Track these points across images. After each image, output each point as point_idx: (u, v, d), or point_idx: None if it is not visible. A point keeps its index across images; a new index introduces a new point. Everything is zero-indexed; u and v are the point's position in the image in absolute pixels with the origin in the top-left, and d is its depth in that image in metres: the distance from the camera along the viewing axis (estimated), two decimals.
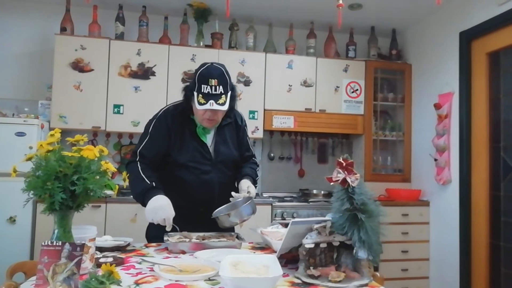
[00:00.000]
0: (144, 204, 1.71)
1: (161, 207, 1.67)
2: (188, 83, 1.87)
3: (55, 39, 3.48)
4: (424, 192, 3.84)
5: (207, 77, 1.73)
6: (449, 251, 3.47)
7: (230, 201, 1.80)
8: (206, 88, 1.72)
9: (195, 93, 1.74)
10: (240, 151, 1.99)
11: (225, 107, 1.75)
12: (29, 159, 1.18)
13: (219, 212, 1.78)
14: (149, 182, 1.75)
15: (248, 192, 1.79)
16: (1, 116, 3.25)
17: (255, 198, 1.82)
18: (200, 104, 1.71)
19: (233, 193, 1.79)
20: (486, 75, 3.22)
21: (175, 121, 1.85)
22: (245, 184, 1.84)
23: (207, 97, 1.72)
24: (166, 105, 1.95)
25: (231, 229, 1.97)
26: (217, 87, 1.73)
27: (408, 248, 3.69)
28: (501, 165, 3.09)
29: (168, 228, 1.66)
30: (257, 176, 2.02)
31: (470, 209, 3.30)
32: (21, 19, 3.78)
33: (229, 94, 1.78)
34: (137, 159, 1.82)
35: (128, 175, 1.82)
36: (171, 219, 1.66)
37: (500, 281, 3.06)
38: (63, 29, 3.56)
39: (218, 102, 1.72)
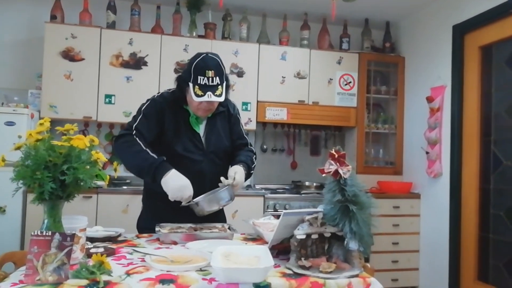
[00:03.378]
0: (155, 179, 1.67)
1: (186, 187, 1.67)
2: (180, 73, 1.85)
3: (45, 27, 3.42)
4: (415, 184, 3.87)
5: (204, 68, 1.71)
6: (439, 243, 3.51)
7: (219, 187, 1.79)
8: (203, 79, 1.71)
9: (191, 84, 1.72)
10: (232, 140, 1.97)
11: (222, 98, 1.75)
12: (18, 148, 1.17)
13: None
14: (156, 157, 1.70)
15: (234, 178, 1.77)
16: None
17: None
18: (197, 96, 1.70)
19: (222, 178, 1.77)
20: (478, 69, 3.24)
21: (170, 107, 1.83)
22: (233, 170, 1.81)
23: (204, 88, 1.70)
24: (161, 91, 1.92)
25: (223, 219, 1.97)
26: (214, 78, 1.71)
27: (398, 240, 3.73)
28: (491, 158, 3.12)
29: (185, 203, 1.69)
30: (253, 163, 1.96)
31: (460, 202, 3.34)
32: (10, 6, 3.70)
33: (224, 84, 1.77)
34: (134, 133, 1.76)
35: (123, 146, 1.74)
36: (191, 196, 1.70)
37: (488, 273, 3.12)
38: (53, 17, 3.50)
39: (215, 93, 1.71)
